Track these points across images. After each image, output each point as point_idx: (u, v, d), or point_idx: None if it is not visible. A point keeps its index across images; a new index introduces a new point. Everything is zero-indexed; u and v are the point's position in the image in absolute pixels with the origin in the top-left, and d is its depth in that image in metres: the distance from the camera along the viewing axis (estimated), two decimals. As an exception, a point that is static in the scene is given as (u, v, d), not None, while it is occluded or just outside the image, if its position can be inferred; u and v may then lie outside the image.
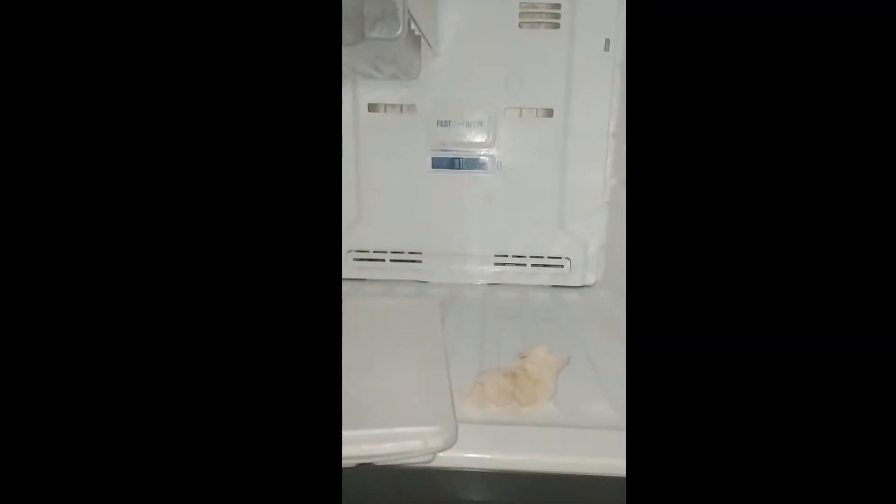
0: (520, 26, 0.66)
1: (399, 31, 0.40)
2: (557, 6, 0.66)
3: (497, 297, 0.70)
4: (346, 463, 0.33)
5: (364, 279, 0.74)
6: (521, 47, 0.67)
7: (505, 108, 0.69)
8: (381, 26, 0.39)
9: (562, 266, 0.74)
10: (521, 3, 0.66)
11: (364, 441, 0.33)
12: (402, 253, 0.74)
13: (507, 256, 0.74)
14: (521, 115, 0.69)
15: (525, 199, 0.72)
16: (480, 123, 0.69)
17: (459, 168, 0.71)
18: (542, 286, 0.73)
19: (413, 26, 0.44)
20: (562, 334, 0.59)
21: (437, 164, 0.71)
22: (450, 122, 0.69)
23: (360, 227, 0.73)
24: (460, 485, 0.40)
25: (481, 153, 0.70)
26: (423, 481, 0.38)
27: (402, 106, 0.69)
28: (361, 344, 0.49)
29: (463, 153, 0.70)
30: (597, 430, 0.40)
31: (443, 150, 0.70)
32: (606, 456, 0.38)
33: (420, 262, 0.74)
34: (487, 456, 0.38)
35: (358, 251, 0.74)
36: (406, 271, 0.74)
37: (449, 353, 0.49)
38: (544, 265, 0.74)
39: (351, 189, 0.72)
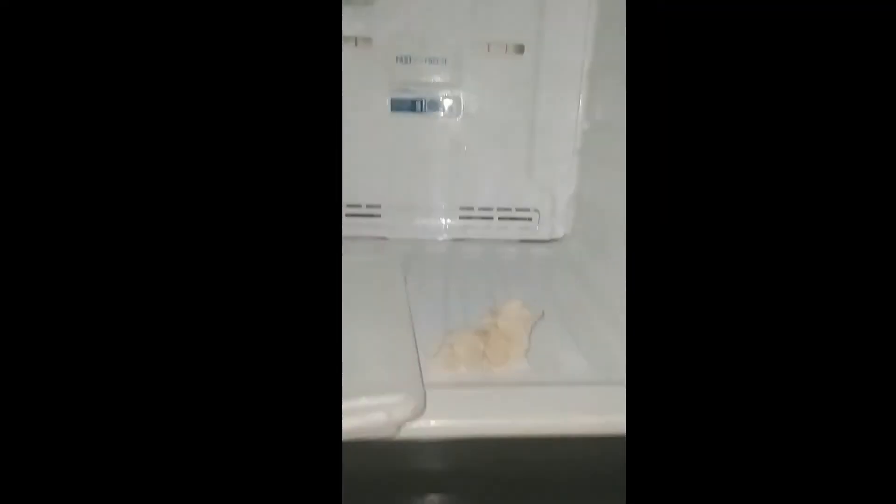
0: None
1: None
2: (530, -74, 0.59)
3: (462, 253, 0.66)
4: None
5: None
6: None
7: (472, 42, 0.62)
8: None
9: (530, 219, 0.70)
10: (490, -80, 0.58)
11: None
12: (360, 206, 0.68)
13: (472, 209, 0.69)
14: (489, 50, 0.63)
15: (492, 146, 0.66)
16: (445, 61, 0.62)
17: (422, 111, 0.64)
18: (509, 241, 0.69)
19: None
20: (531, 290, 0.55)
21: (397, 106, 0.64)
22: (410, 57, 0.62)
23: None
24: (430, 456, 0.36)
25: (445, 94, 0.64)
26: (390, 455, 0.34)
27: (355, 38, 0.61)
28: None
29: (425, 94, 0.64)
30: (572, 388, 0.37)
31: (403, 90, 0.63)
32: (584, 414, 0.35)
33: (379, 216, 0.69)
34: (458, 422, 0.34)
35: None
36: (364, 226, 0.69)
37: (413, 314, 0.44)
38: (512, 218, 0.69)
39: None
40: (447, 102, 0.64)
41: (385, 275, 0.52)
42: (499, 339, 0.41)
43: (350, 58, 0.61)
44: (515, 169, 0.67)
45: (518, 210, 0.69)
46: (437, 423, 0.33)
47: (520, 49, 0.63)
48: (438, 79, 0.63)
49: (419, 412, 0.32)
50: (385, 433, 0.31)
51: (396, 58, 0.62)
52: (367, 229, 0.68)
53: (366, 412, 0.29)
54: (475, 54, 0.62)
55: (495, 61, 0.63)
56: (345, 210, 0.68)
